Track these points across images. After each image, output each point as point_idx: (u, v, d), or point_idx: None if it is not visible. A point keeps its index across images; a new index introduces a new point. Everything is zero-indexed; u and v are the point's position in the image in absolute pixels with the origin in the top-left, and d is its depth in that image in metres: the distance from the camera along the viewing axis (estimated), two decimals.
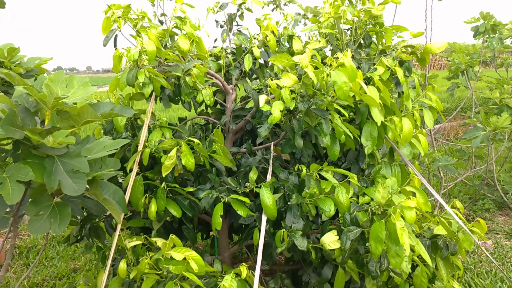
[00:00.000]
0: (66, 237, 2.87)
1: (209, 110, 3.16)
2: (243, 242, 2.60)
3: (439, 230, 2.78)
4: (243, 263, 2.27)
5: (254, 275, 2.29)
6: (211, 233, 2.72)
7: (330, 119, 2.33)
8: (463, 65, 4.82)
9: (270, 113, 2.41)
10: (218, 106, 3.22)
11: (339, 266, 2.68)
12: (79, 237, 2.87)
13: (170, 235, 2.11)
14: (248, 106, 3.11)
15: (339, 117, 2.33)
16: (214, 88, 3.13)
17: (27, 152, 1.78)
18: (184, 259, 2.05)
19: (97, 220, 2.82)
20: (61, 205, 1.93)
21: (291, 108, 2.04)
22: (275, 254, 2.53)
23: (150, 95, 2.39)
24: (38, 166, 1.73)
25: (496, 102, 4.57)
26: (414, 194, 2.48)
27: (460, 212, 2.91)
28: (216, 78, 2.77)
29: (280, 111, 2.01)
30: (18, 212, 2.04)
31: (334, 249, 2.36)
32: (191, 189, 2.35)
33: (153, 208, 2.28)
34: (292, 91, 2.14)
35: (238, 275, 2.25)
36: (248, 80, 3.07)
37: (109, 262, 2.16)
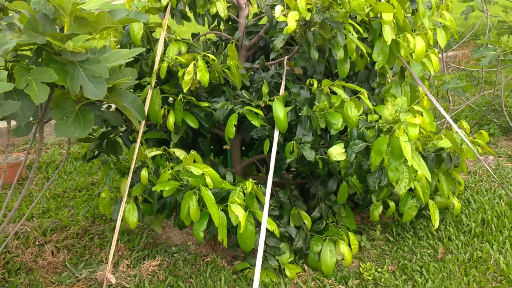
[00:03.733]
0: (84, 154, 3.00)
1: (222, 27, 3.15)
2: (254, 154, 2.72)
3: (444, 143, 2.87)
4: (250, 179, 2.38)
5: (261, 189, 2.43)
6: (225, 147, 2.84)
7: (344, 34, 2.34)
8: None
9: (286, 25, 2.43)
10: (230, 23, 3.21)
11: (343, 180, 2.81)
12: (96, 153, 2.99)
13: (191, 151, 2.23)
14: (260, 22, 3.09)
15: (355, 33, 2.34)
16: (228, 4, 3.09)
17: (49, 58, 1.84)
18: (202, 174, 2.18)
19: (113, 135, 2.92)
20: (84, 111, 2.02)
21: (307, 18, 2.06)
22: (284, 166, 2.66)
23: (166, 8, 2.40)
24: (60, 71, 1.80)
25: (511, 25, 4.48)
26: (421, 114, 2.53)
27: (466, 133, 2.99)
28: None
29: (296, 20, 2.02)
30: (43, 118, 2.15)
31: (339, 161, 2.47)
32: (206, 104, 2.42)
33: (171, 119, 2.37)
34: (308, 3, 2.14)
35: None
36: None
37: (132, 168, 2.29)
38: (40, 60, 1.87)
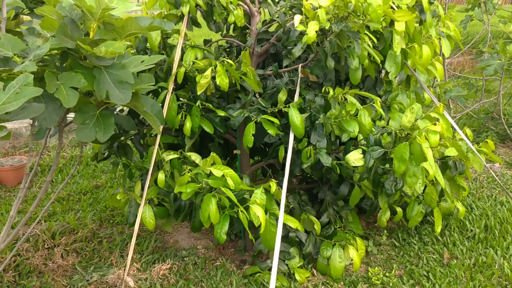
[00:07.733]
0: (95, 155, 3.01)
1: (231, 33, 3.18)
2: (268, 159, 2.75)
3: (450, 152, 2.94)
4: (272, 180, 2.42)
5: (280, 191, 2.48)
6: (235, 152, 2.87)
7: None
8: None
9: (301, 34, 2.48)
10: (240, 29, 3.24)
11: (355, 184, 2.86)
12: (106, 155, 3.00)
13: (211, 153, 2.26)
14: (270, 29, 3.13)
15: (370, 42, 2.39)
16: None
17: (75, 63, 1.86)
18: (223, 176, 2.21)
19: (123, 138, 2.94)
20: (104, 116, 2.04)
21: (327, 27, 2.10)
22: (296, 170, 2.70)
23: (183, 16, 2.43)
24: (87, 76, 1.82)
25: (510, 36, 4.58)
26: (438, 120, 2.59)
27: (469, 140, 3.06)
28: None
29: (316, 31, 2.07)
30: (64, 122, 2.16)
31: (357, 166, 2.51)
32: (222, 113, 2.45)
33: (188, 125, 2.40)
34: (326, 13, 2.19)
35: (266, 190, 2.42)
36: (272, 3, 3.07)
37: (150, 171, 2.31)
38: (64, 65, 1.89)
